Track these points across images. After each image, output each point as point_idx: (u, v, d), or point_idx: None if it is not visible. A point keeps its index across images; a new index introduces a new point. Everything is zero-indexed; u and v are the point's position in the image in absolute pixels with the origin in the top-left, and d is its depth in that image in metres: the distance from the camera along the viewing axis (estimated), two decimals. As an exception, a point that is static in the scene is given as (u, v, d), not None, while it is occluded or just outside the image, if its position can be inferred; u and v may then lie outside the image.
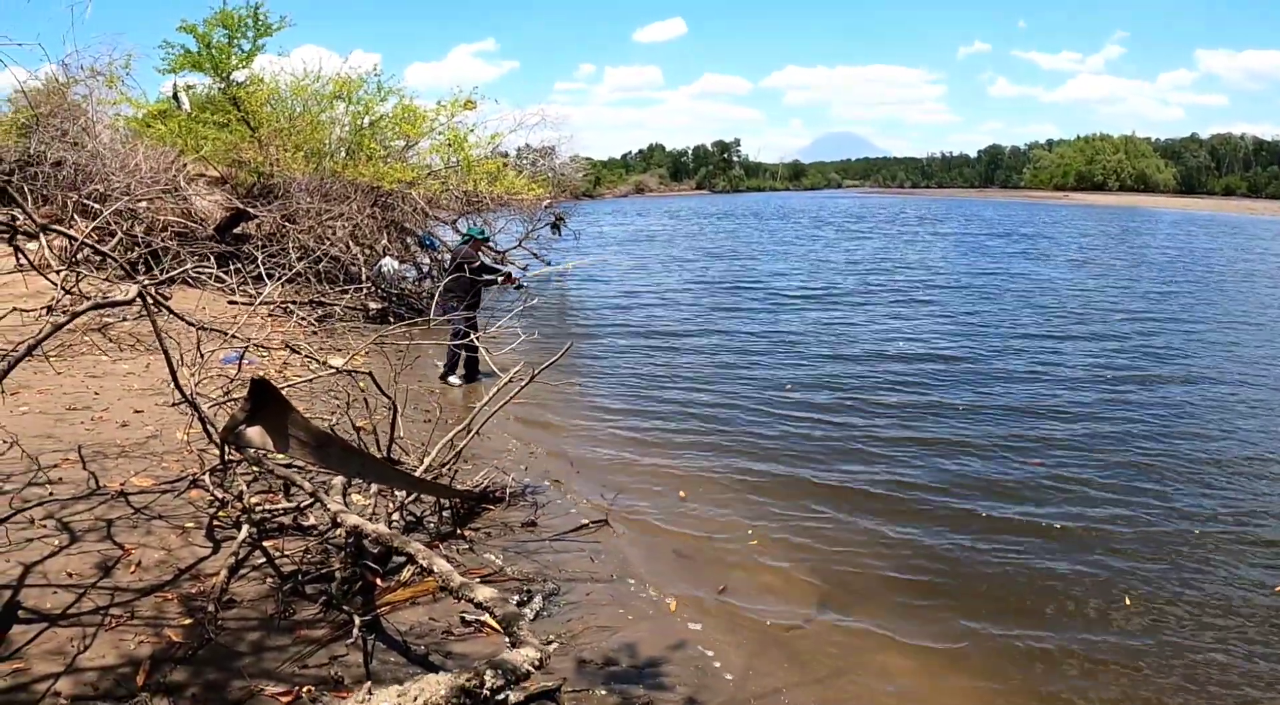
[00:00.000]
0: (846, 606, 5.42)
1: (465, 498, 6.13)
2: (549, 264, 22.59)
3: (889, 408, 9.86)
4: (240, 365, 7.32)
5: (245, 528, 4.88)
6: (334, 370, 6.39)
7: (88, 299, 7.24)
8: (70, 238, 5.65)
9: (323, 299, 13.56)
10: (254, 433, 3.61)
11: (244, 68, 18.58)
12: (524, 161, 23.56)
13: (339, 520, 4.46)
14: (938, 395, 10.54)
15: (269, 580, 4.66)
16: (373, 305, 14.61)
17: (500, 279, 11.67)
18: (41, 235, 5.06)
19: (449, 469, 6.38)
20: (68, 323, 4.19)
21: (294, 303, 12.45)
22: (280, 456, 5.11)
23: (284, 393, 3.55)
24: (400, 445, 6.38)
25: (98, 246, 6.09)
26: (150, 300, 4.53)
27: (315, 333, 11.27)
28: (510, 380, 6.91)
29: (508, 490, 6.58)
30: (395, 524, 5.51)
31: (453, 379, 10.83)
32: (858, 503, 7.07)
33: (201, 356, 6.38)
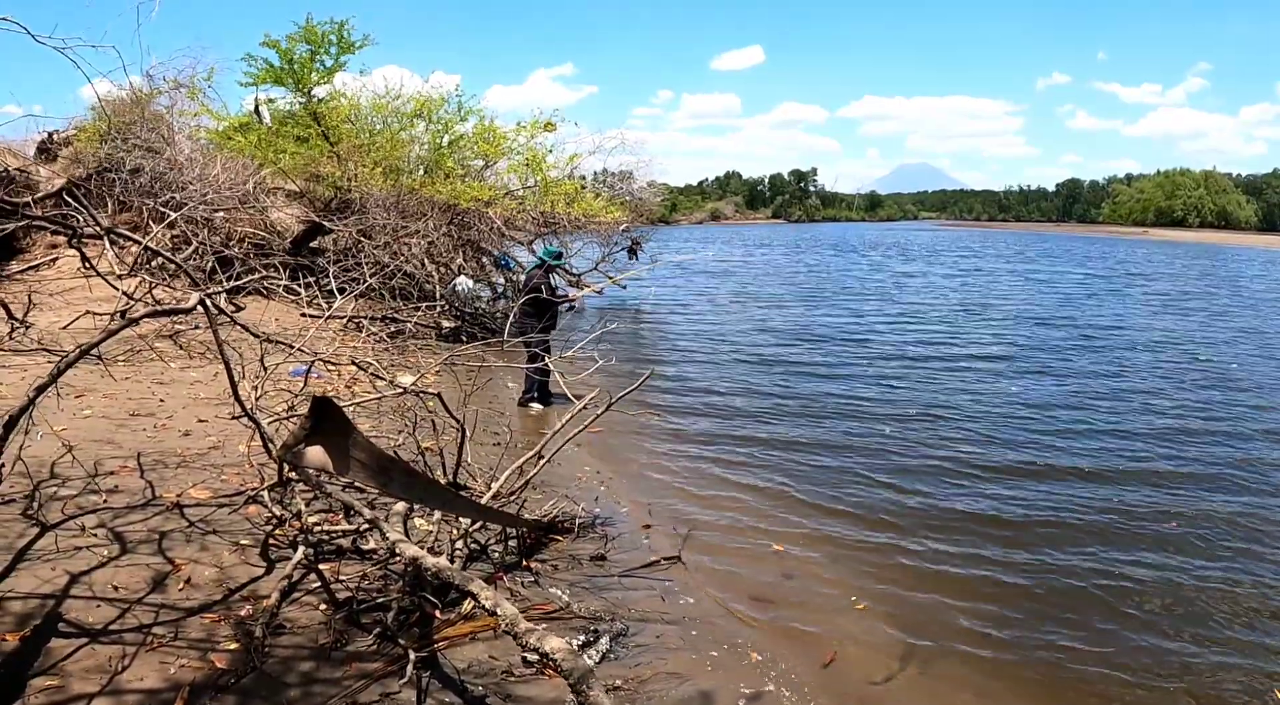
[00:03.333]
0: (934, 661, 5.07)
1: (533, 527, 5.83)
2: (624, 287, 22.49)
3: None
4: (306, 378, 7.15)
5: (301, 548, 4.63)
6: (402, 390, 6.17)
7: (158, 305, 7.14)
8: (136, 242, 5.50)
9: (395, 315, 13.52)
10: (313, 452, 3.40)
11: (325, 83, 18.83)
12: (601, 185, 23.52)
13: (397, 551, 4.18)
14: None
15: (322, 606, 4.40)
16: (446, 323, 14.56)
17: (564, 300, 11.53)
18: (105, 239, 4.90)
19: (517, 497, 6.10)
20: (121, 328, 4.02)
21: (366, 317, 12.38)
22: (339, 478, 4.88)
23: (350, 410, 3.30)
24: (467, 470, 6.12)
25: (162, 252, 5.96)
26: (212, 309, 4.32)
27: (386, 348, 11.14)
28: (585, 406, 6.66)
29: (577, 521, 6.26)
30: (459, 551, 5.25)
31: (535, 405, 10.65)
32: (949, 556, 6.60)
33: (264, 369, 6.21)
